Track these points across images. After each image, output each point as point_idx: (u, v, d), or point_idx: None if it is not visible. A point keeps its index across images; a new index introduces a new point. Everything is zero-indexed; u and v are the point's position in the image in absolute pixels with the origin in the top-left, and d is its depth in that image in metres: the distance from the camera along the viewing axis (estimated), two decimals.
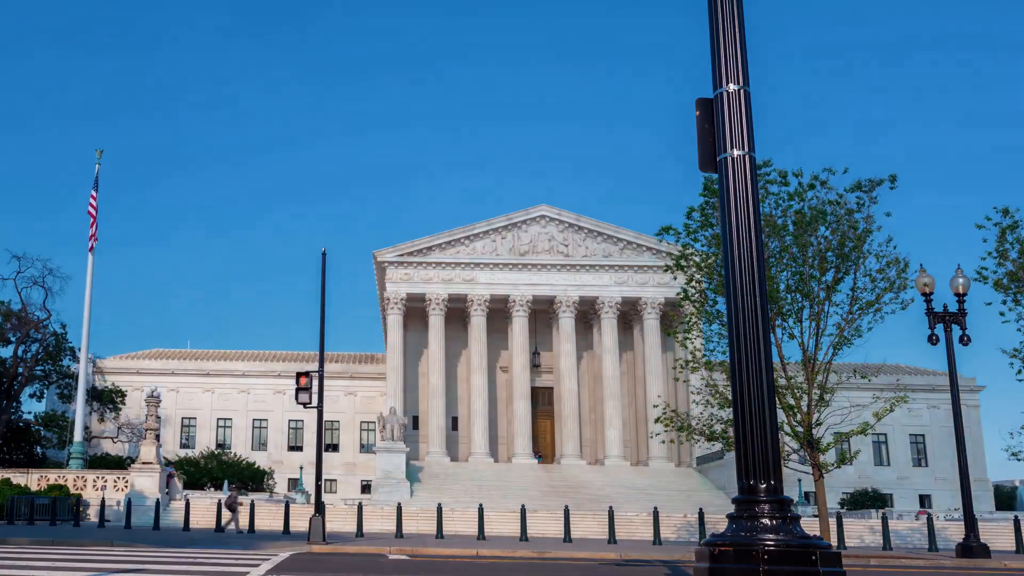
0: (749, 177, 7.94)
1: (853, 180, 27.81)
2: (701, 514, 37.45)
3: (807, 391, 27.88)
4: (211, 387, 75.06)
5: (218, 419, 75.00)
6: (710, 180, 27.71)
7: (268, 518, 41.39)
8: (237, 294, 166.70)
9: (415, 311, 71.74)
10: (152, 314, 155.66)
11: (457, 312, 72.22)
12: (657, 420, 32.96)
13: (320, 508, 28.29)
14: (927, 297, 26.53)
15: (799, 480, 47.35)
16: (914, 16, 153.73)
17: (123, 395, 66.67)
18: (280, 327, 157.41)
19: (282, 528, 36.89)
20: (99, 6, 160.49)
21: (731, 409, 18.15)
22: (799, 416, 27.59)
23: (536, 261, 69.43)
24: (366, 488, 68.25)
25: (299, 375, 29.07)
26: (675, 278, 32.16)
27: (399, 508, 37.03)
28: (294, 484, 67.01)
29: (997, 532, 39.92)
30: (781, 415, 27.39)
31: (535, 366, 70.26)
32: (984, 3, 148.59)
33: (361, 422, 74.98)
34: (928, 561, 25.53)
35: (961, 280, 26.40)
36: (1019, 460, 28.78)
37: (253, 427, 74.96)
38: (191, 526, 37.35)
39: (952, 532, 39.35)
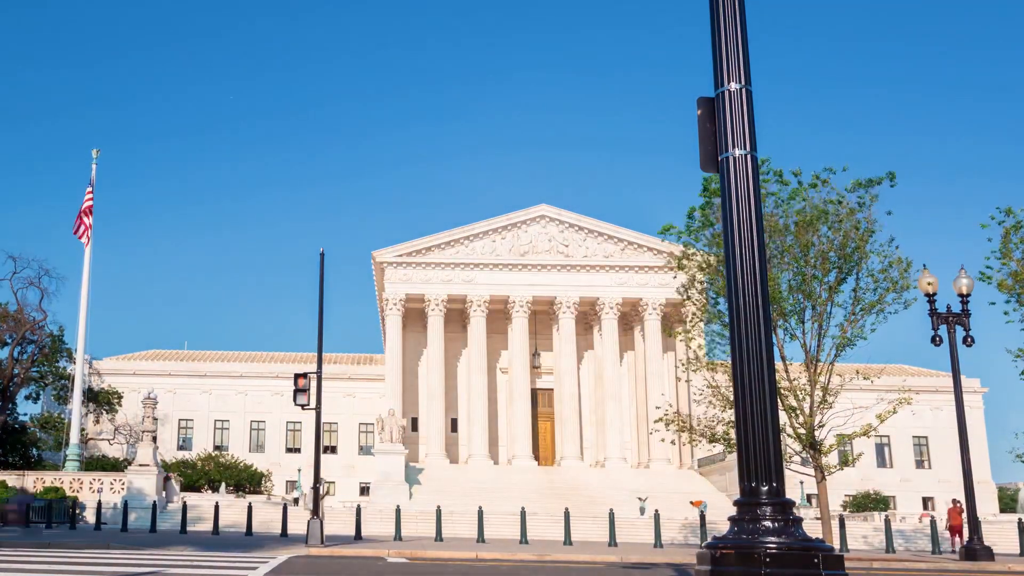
0: (751, 177, 7.90)
1: (853, 179, 27.74)
2: (702, 516, 37.28)
3: (809, 392, 27.71)
4: (209, 388, 74.82)
5: (216, 421, 74.76)
6: (709, 180, 27.64)
7: (266, 520, 41.17)
8: (235, 295, 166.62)
9: (414, 312, 71.55)
10: (149, 315, 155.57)
11: (456, 313, 72.02)
12: (658, 421, 32.80)
13: (318, 510, 28.09)
14: (930, 298, 26.30)
15: (801, 482, 47.07)
16: (915, 15, 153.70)
17: (120, 397, 66.45)
18: (278, 328, 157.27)
19: (280, 530, 36.72)
20: (95, 5, 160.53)
21: (733, 410, 17.94)
22: (801, 418, 27.43)
23: (536, 261, 69.25)
24: (365, 490, 68.01)
25: (297, 376, 28.88)
26: (675, 277, 32.08)
27: (398, 510, 36.85)
28: (292, 486, 66.78)
29: (1001, 534, 39.77)
30: (783, 417, 27.18)
31: (535, 367, 70.05)
32: (986, 1, 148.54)
33: (360, 424, 74.73)
34: (931, 564, 25.33)
35: (964, 280, 26.18)
36: None
37: (251, 429, 74.73)
38: (188, 528, 37.14)
39: None
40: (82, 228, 52.79)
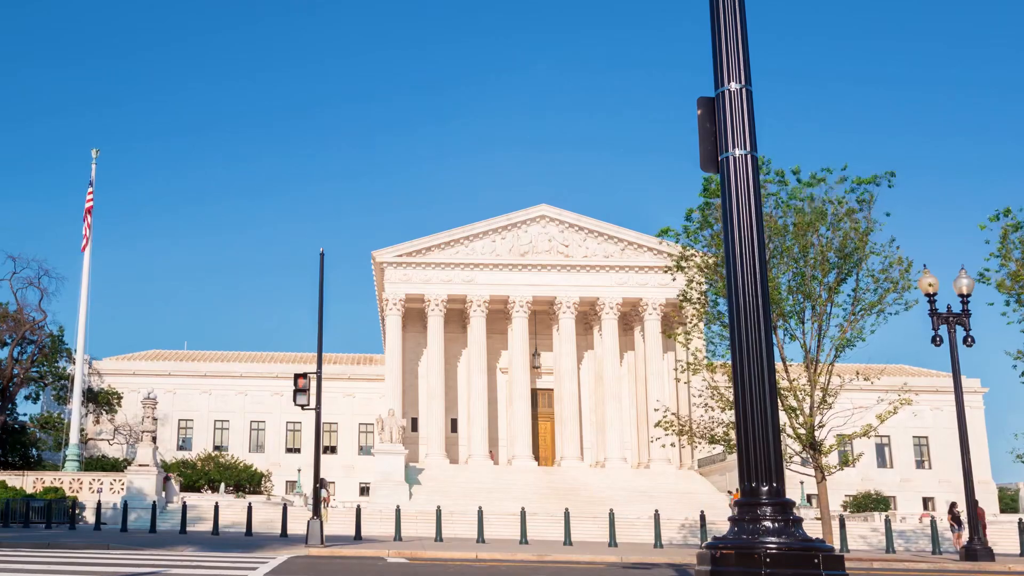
0: (751, 176, 7.93)
1: (852, 179, 27.71)
2: (702, 517, 37.25)
3: (809, 393, 27.69)
4: (208, 389, 74.74)
5: (215, 421, 74.69)
6: (709, 180, 27.66)
7: (266, 520, 41.14)
8: (235, 295, 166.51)
9: (414, 312, 71.51)
10: (149, 315, 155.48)
11: (456, 313, 71.98)
12: (658, 424, 32.79)
13: (318, 511, 28.03)
14: (930, 298, 26.25)
15: (801, 482, 47.05)
16: (916, 14, 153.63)
17: (119, 397, 66.40)
18: (278, 328, 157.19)
19: (280, 531, 36.70)
20: (95, 5, 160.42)
21: (733, 411, 17.95)
22: (801, 418, 27.41)
23: (536, 261, 69.23)
24: (364, 490, 67.98)
25: (297, 377, 28.83)
26: (674, 279, 32.05)
27: (398, 511, 36.80)
28: (292, 486, 66.71)
29: (1001, 534, 39.74)
30: (783, 417, 27.17)
31: (535, 367, 70.01)
32: (987, 1, 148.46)
33: (360, 424, 74.68)
34: (931, 564, 25.30)
35: (965, 281, 26.14)
36: None
37: (251, 429, 74.67)
38: (188, 529, 37.12)
39: None
40: (83, 238, 52.72)
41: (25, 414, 63.81)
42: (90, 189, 53.38)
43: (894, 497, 69.25)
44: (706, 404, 29.94)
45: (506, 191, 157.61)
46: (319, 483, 28.87)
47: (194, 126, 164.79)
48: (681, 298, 31.16)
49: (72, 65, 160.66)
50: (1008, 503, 71.40)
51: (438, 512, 36.29)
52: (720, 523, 41.75)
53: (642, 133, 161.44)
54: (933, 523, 34.65)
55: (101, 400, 65.08)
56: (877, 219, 27.52)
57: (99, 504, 39.52)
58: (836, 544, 30.89)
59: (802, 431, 27.28)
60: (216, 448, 71.29)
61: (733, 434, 25.93)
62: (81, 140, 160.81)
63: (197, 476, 59.49)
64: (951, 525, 34.86)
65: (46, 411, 65.21)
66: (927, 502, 70.54)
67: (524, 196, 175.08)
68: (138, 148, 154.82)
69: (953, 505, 35.05)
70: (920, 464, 73.31)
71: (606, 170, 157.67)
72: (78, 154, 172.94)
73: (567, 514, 35.26)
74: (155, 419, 48.92)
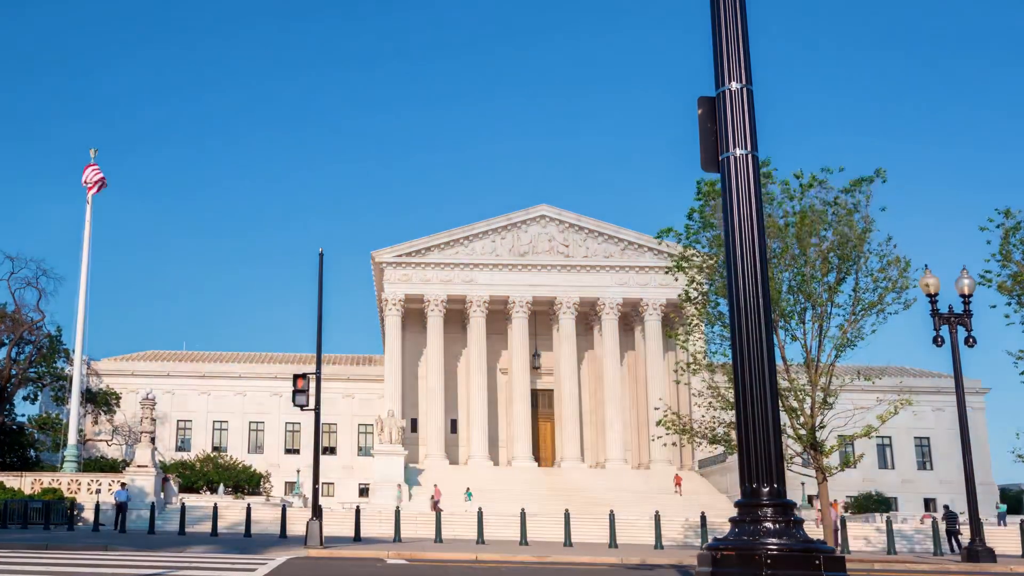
0: (752, 176, 7.89)
1: (847, 179, 27.66)
2: (703, 517, 37.17)
3: (810, 393, 27.60)
4: (207, 389, 74.67)
5: (214, 421, 74.61)
6: (704, 183, 27.63)
7: (265, 521, 41.08)
8: (234, 295, 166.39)
9: (414, 312, 71.44)
10: (148, 316, 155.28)
11: (456, 313, 71.91)
12: (659, 423, 32.72)
13: (317, 512, 27.94)
14: (932, 298, 26.16)
15: (802, 483, 46.97)
16: (915, 13, 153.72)
17: (118, 397, 66.37)
18: (277, 329, 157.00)
19: (279, 532, 36.65)
20: (96, 7, 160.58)
21: (733, 411, 17.86)
22: (802, 419, 27.32)
23: (536, 262, 69.16)
24: (364, 491, 67.89)
25: (296, 377, 28.81)
26: (676, 279, 31.97)
27: (397, 511, 36.74)
28: (291, 487, 66.63)
29: (1003, 536, 39.67)
30: (784, 418, 27.09)
31: (535, 368, 69.94)
32: (987, 1, 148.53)
33: (359, 425, 74.61)
34: (933, 565, 25.25)
35: (966, 281, 26.05)
36: None
37: (250, 430, 74.59)
38: (187, 530, 37.07)
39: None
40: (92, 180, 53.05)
41: (23, 415, 63.79)
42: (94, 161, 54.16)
43: (895, 498, 69.17)
44: (709, 403, 29.85)
45: (506, 191, 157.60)
46: (316, 485, 28.74)
47: (193, 127, 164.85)
48: (682, 298, 31.09)
49: (72, 65, 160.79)
50: (1010, 503, 71.29)
51: (438, 513, 36.23)
52: (721, 524, 41.65)
53: (643, 133, 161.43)
54: (935, 524, 34.54)
55: (99, 401, 65.01)
56: (874, 218, 27.44)
57: (98, 505, 39.46)
58: (837, 545, 30.81)
59: (803, 432, 27.20)
60: (215, 449, 71.17)
61: (734, 434, 25.88)
62: (81, 140, 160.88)
63: (196, 477, 59.38)
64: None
65: (44, 412, 65.14)
66: (928, 503, 70.45)
67: (524, 196, 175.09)
68: (137, 148, 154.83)
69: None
70: (922, 465, 73.22)
71: (606, 170, 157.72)
72: (78, 154, 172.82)
73: (567, 515, 35.19)
74: (153, 420, 48.84)
